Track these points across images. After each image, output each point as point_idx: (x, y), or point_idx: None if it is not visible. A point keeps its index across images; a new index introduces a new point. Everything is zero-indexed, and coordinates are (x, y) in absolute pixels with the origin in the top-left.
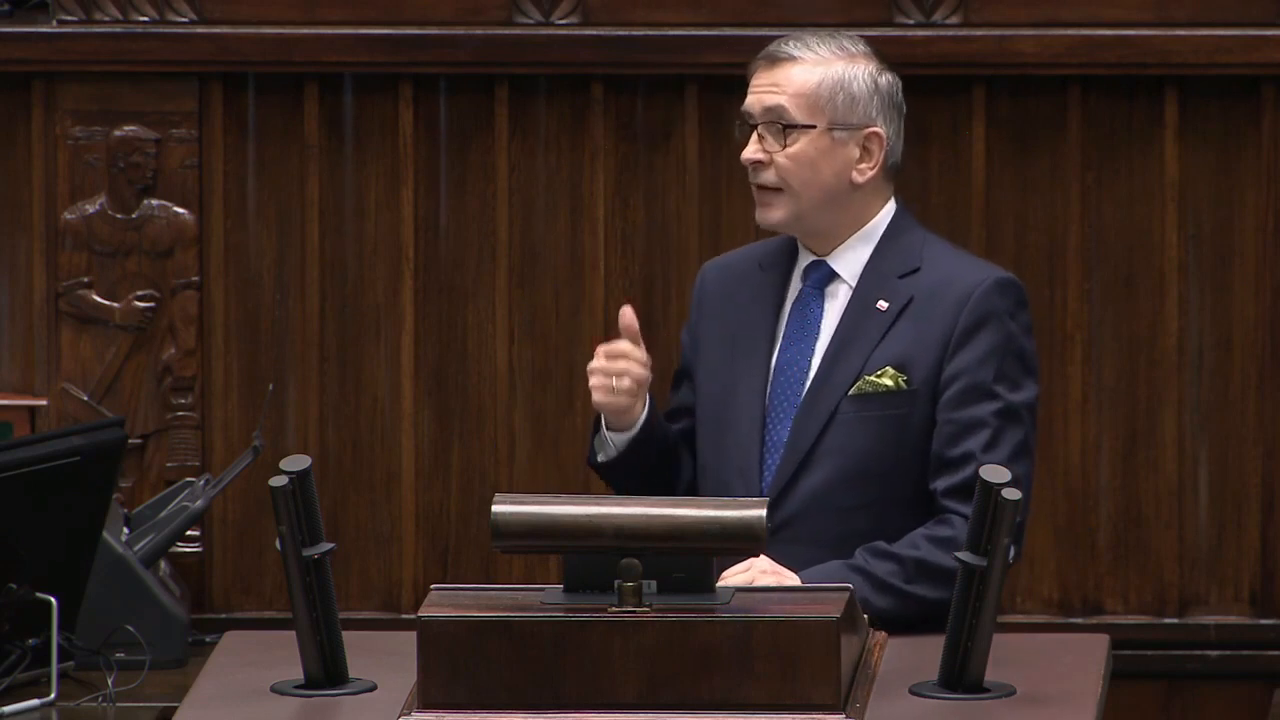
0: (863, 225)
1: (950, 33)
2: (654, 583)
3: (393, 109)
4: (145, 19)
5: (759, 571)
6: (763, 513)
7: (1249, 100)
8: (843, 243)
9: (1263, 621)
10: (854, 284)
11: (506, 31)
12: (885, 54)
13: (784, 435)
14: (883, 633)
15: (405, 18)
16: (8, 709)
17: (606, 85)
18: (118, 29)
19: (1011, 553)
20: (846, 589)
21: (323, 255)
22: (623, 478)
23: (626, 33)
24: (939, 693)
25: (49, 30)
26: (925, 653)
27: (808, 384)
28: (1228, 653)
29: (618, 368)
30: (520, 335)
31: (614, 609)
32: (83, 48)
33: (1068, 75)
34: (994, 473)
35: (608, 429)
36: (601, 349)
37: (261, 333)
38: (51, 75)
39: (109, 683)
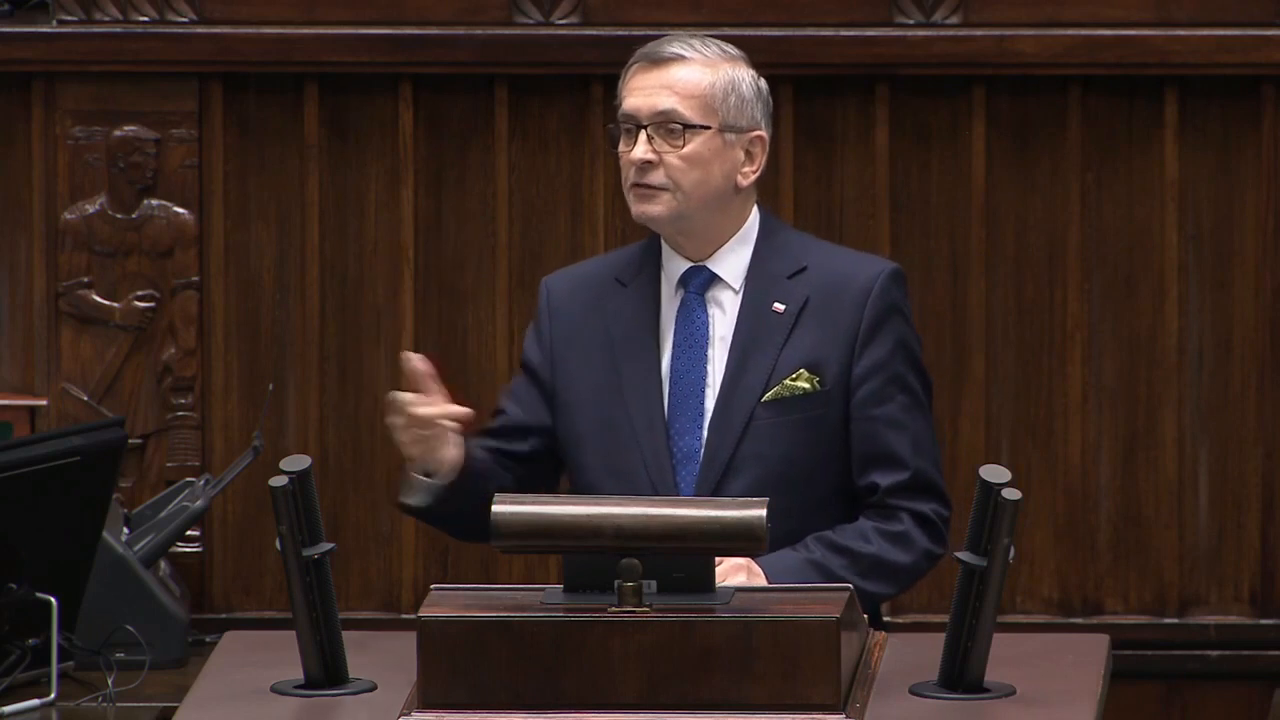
0: (739, 228)
1: (950, 33)
2: (654, 583)
3: (393, 109)
4: (145, 19)
5: (731, 567)
6: (763, 513)
7: (1249, 100)
8: (722, 246)
9: (1263, 621)
10: (739, 287)
11: (506, 31)
12: (885, 54)
13: (693, 445)
14: (883, 632)
15: (405, 18)
16: (8, 709)
17: (606, 85)
18: (118, 29)
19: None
20: (847, 589)
21: (323, 255)
22: (441, 522)
23: (626, 33)
24: (939, 693)
25: (49, 30)
26: (925, 653)
27: (712, 392)
28: (1228, 653)
29: (418, 414)
30: (520, 336)
31: (614, 609)
32: (83, 48)
33: (1068, 75)
34: (994, 473)
35: (417, 474)
36: (391, 404)
37: (261, 333)
38: (51, 75)
39: (109, 683)
